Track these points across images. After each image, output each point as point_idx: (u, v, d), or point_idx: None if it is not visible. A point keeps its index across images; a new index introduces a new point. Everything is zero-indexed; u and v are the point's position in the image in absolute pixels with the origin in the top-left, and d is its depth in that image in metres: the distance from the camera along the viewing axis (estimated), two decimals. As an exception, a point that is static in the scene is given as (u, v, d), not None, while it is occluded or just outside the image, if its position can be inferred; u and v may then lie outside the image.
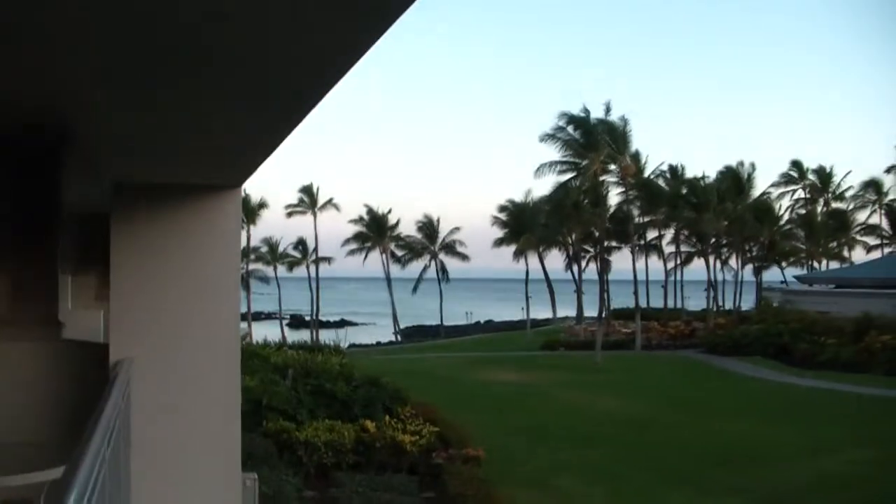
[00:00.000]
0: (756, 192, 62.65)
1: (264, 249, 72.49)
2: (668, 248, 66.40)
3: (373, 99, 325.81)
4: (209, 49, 3.62)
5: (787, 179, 69.79)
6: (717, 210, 57.48)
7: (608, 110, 51.27)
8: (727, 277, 66.71)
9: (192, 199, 7.14)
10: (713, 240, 60.84)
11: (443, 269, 74.25)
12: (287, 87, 4.21)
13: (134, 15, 3.21)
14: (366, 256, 72.78)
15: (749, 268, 65.25)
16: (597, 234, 58.40)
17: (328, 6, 3.01)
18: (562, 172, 52.07)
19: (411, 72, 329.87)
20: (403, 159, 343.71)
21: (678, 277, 67.03)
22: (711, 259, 61.87)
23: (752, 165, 61.84)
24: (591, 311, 62.45)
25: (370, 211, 72.86)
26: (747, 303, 66.49)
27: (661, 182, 60.84)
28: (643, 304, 59.85)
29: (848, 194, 69.88)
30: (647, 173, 59.39)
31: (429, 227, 74.20)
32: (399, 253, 74.24)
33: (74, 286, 13.70)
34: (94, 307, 13.48)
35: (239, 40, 3.46)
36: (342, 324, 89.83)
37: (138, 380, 6.47)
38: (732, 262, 65.68)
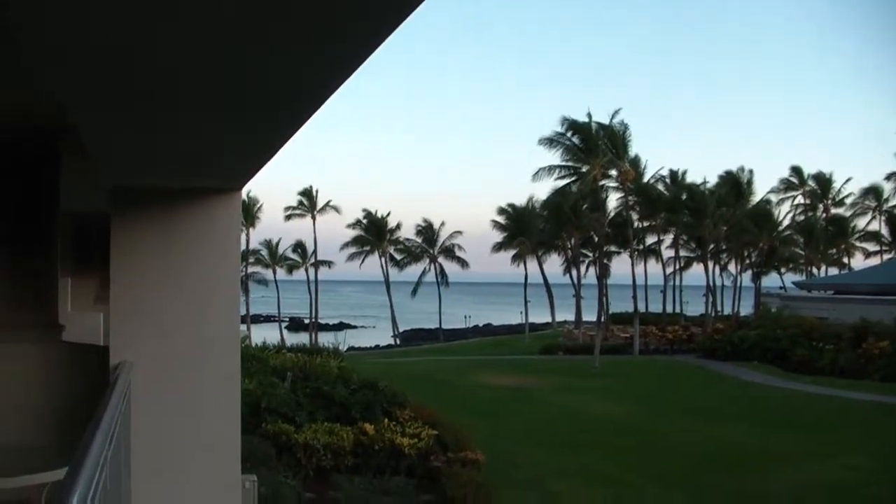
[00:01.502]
0: (756, 197, 62.80)
1: (264, 252, 72.45)
2: (668, 253, 66.61)
3: (374, 101, 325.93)
4: (206, 68, 3.64)
5: (786, 185, 70.06)
6: (715, 215, 57.54)
7: (614, 116, 51.41)
8: (726, 283, 66.90)
9: (193, 203, 7.16)
10: (712, 245, 60.86)
11: (442, 273, 74.22)
12: (287, 96, 4.23)
13: (124, 45, 3.24)
14: (363, 260, 72.74)
15: (748, 273, 65.36)
16: (596, 238, 58.40)
17: (325, 16, 3.00)
18: (561, 178, 52.13)
19: (413, 74, 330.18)
20: (405, 162, 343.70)
21: (677, 282, 67.21)
22: (710, 264, 61.88)
23: (751, 171, 62.02)
24: (589, 316, 62.44)
25: (368, 214, 72.84)
26: (746, 308, 66.67)
27: (660, 187, 60.88)
28: (642, 308, 59.95)
29: (848, 201, 70.15)
30: (646, 178, 59.46)
31: (428, 231, 74.10)
32: (398, 257, 74.18)
33: (74, 288, 13.70)
34: (94, 309, 13.49)
35: (238, 58, 3.47)
36: (341, 327, 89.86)
37: (138, 382, 6.49)
38: (731, 267, 65.80)
